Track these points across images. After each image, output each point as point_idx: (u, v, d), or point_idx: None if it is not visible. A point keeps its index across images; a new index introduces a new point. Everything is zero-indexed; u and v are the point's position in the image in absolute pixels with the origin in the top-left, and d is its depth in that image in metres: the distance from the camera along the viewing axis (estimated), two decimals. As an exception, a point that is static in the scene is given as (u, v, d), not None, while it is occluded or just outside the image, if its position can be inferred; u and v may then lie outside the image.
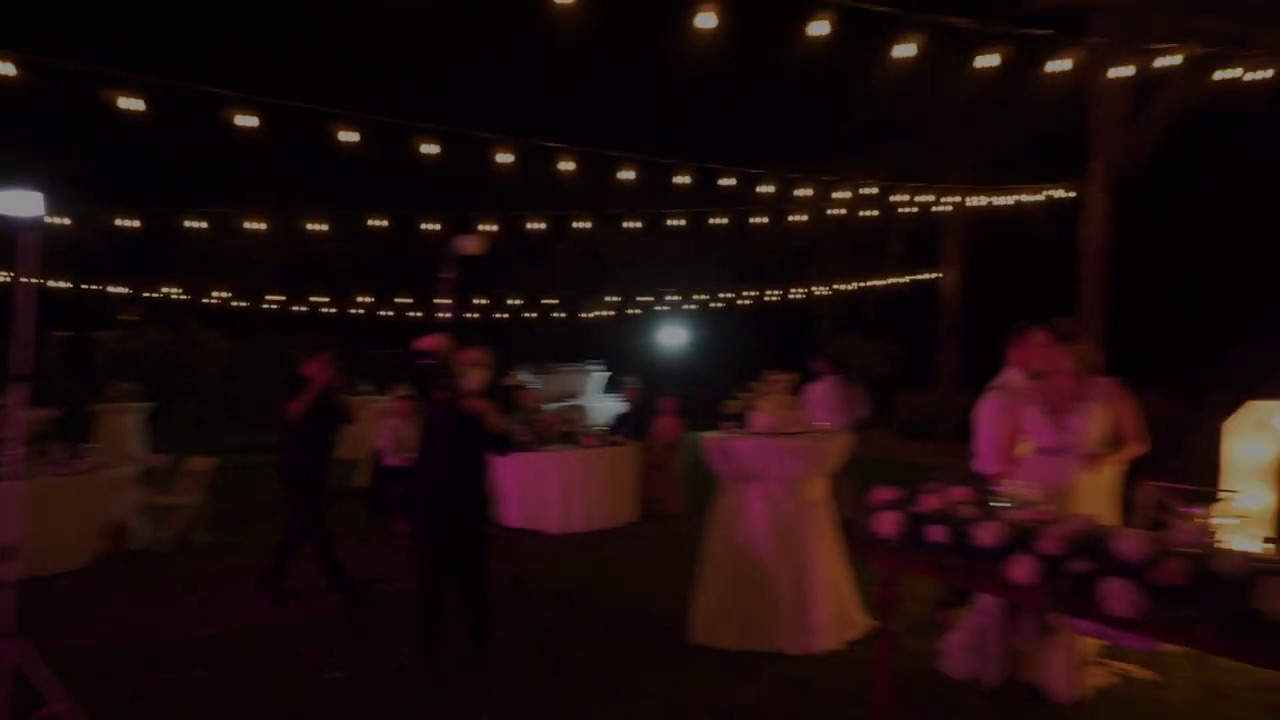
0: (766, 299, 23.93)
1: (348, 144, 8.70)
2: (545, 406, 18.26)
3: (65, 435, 9.25)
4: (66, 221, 12.04)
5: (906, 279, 21.98)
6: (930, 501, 3.47)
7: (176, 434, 15.62)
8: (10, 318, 3.88)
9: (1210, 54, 7.26)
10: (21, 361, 3.87)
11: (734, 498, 5.26)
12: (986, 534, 3.09)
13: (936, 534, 3.31)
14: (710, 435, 5.31)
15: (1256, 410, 4.92)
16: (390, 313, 21.71)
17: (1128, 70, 7.42)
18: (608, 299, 24.41)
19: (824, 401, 8.73)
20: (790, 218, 15.82)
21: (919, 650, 4.86)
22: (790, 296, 23.57)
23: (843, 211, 16.25)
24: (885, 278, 21.97)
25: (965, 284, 19.90)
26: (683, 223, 15.21)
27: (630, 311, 24.62)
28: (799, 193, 13.77)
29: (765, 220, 15.79)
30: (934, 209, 17.69)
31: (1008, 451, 4.37)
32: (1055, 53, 7.48)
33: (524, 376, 18.16)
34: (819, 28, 6.55)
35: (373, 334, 22.69)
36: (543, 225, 15.03)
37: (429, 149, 9.13)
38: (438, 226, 13.83)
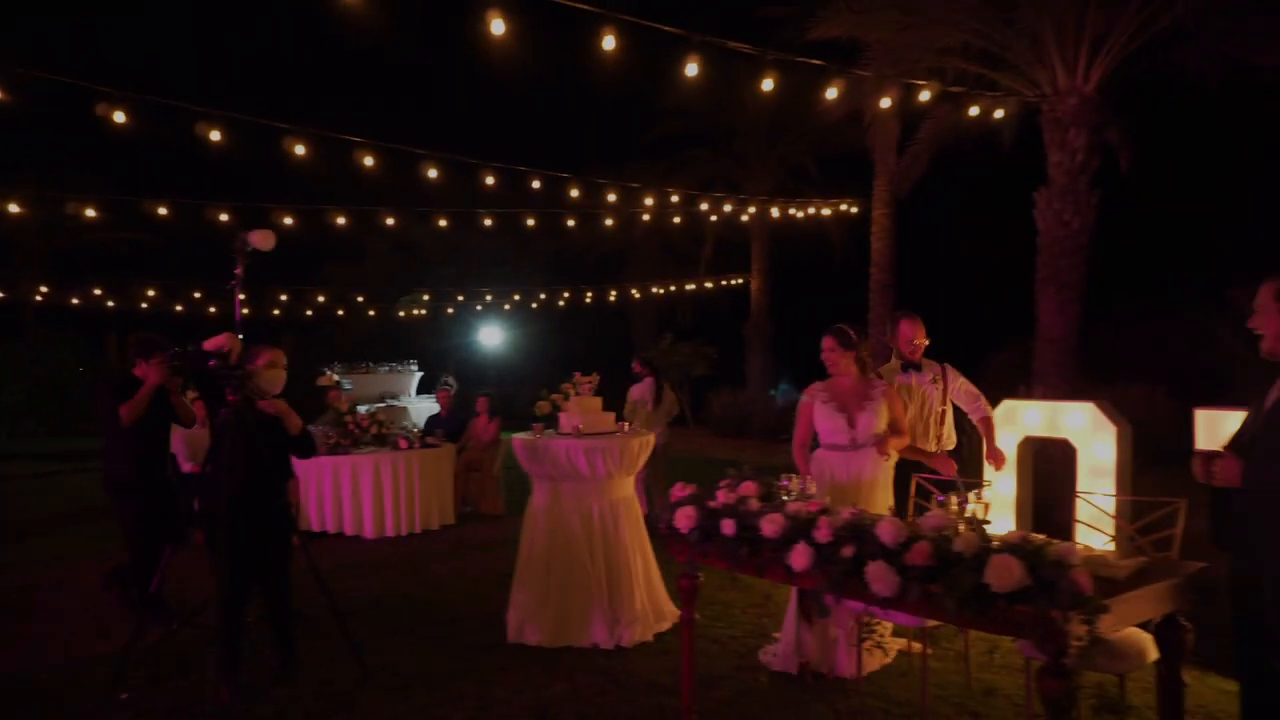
0: (584, 300, 24.25)
1: (119, 125, 8.05)
2: (361, 407, 17.72)
3: None
4: None
5: (717, 283, 23.00)
6: (722, 496, 3.73)
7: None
8: None
9: (959, 91, 8.21)
10: None
11: (544, 497, 5.38)
12: (769, 526, 3.36)
13: (727, 527, 3.56)
14: (519, 436, 5.40)
15: (1007, 408, 5.58)
16: (181, 307, 20.25)
17: (890, 100, 8.24)
18: (424, 298, 23.87)
19: (641, 401, 9.03)
20: (597, 221, 16.16)
21: (725, 638, 5.18)
22: (606, 298, 24.01)
23: (647, 217, 16.76)
24: (697, 282, 22.87)
25: (771, 290, 21.01)
26: (489, 223, 15.17)
27: (447, 310, 24.19)
28: (612, 198, 14.14)
29: (573, 223, 16.02)
30: (740, 217, 18.63)
31: (803, 448, 4.72)
32: (831, 80, 8.17)
33: (337, 376, 17.48)
34: (610, 43, 6.77)
35: (160, 330, 21.04)
36: (343, 221, 14.53)
37: (215, 136, 8.66)
38: (225, 218, 13.06)
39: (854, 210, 16.20)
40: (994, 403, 5.65)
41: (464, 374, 23.56)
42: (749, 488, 3.81)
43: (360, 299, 22.37)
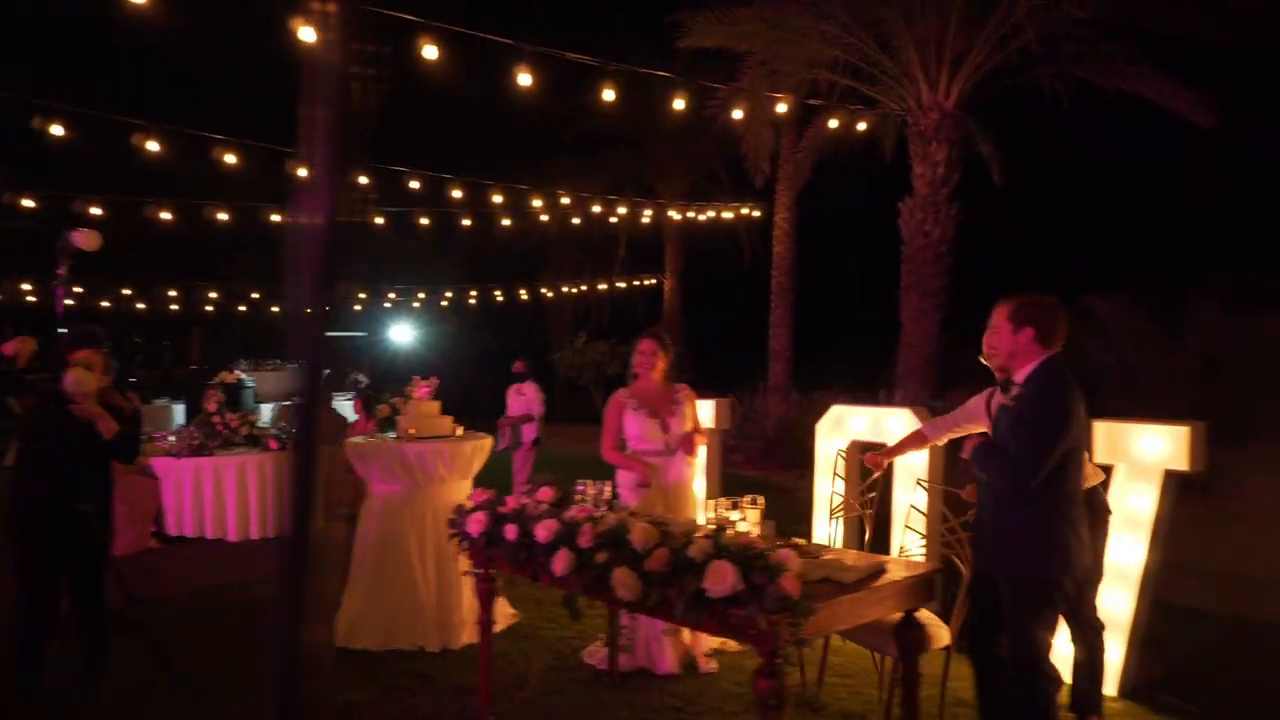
0: (503, 298, 24.13)
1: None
2: (265, 405, 17.30)
3: None
4: None
5: (630, 284, 23.13)
6: (512, 502, 3.78)
7: None
8: None
9: (820, 104, 8.43)
10: None
11: (377, 500, 5.36)
12: (542, 531, 3.42)
13: (509, 532, 3.61)
14: (354, 440, 5.37)
15: (836, 414, 5.75)
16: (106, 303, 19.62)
17: (765, 112, 8.44)
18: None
19: (525, 401, 9.05)
20: (515, 219, 16.13)
21: (554, 639, 5.23)
22: (524, 296, 23.93)
23: (551, 216, 16.77)
24: (611, 282, 22.96)
25: (683, 291, 21.21)
26: (380, 221, 15.01)
27: (354, 307, 23.80)
28: (536, 203, 14.14)
29: (491, 222, 15.95)
30: (652, 219, 18.76)
31: (616, 451, 4.77)
32: (720, 88, 8.32)
33: (241, 374, 17.07)
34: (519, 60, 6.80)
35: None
36: (225, 217, 14.23)
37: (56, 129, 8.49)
38: (99, 212, 12.73)
39: (757, 214, 16.45)
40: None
41: (376, 372, 23.22)
42: (546, 493, 3.87)
43: (255, 295, 21.83)
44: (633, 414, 4.66)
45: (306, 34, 6.04)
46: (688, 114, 9.03)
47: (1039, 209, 18.25)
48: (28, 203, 12.30)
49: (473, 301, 23.90)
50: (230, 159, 10.18)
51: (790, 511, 6.12)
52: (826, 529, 5.61)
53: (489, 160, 18.12)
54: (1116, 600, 4.31)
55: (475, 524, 3.78)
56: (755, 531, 3.45)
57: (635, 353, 4.76)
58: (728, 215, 16.97)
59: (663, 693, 4.40)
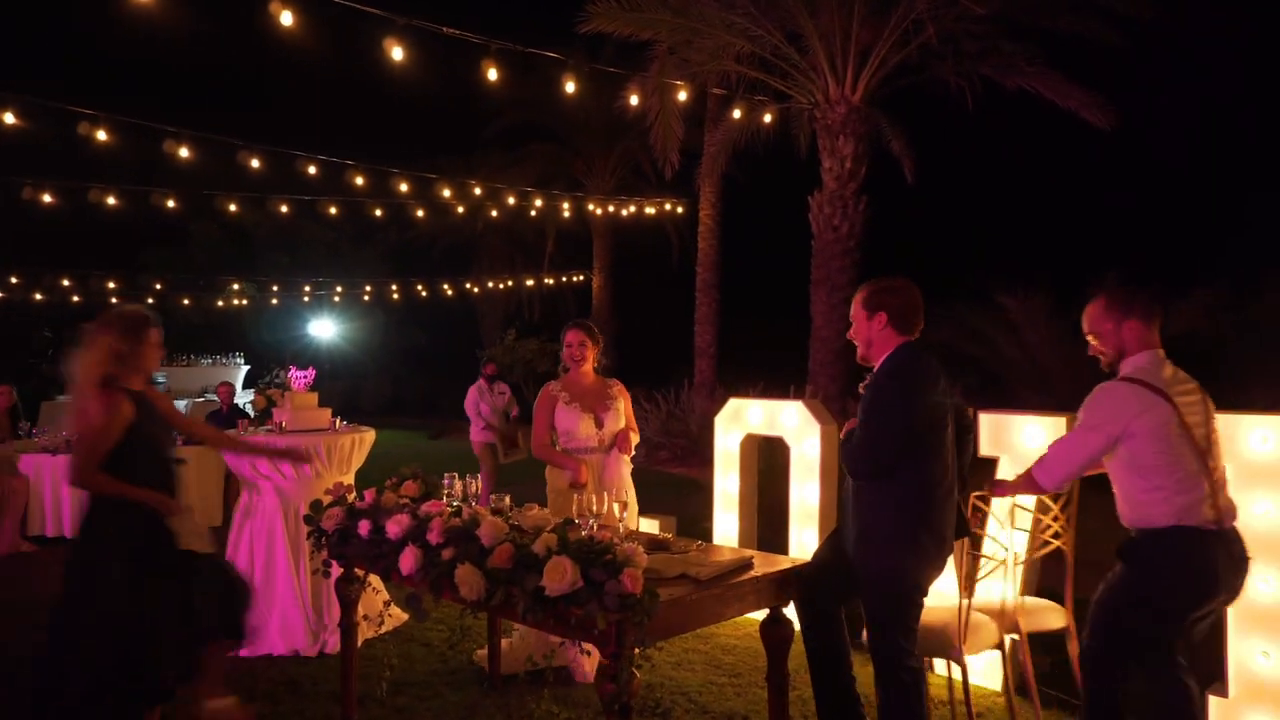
0: (430, 293, 23.67)
1: None
2: (180, 402, 16.63)
3: None
4: None
5: (559, 280, 22.91)
6: (370, 496, 3.58)
7: None
8: None
9: (723, 93, 8.36)
10: None
11: (248, 496, 5.10)
12: (394, 527, 3.23)
13: (362, 528, 3.41)
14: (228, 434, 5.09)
15: (734, 406, 5.67)
16: None
17: (669, 101, 8.35)
18: (243, 285, 22.67)
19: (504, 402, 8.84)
20: (442, 213, 15.79)
21: (439, 641, 5.04)
22: (452, 291, 23.50)
23: (477, 211, 16.49)
24: (539, 278, 22.71)
25: (612, 287, 21.07)
26: (332, 211, 14.56)
27: (271, 301, 23.11)
28: (453, 190, 13.80)
29: (393, 214, 15.59)
30: (579, 214, 18.58)
31: (547, 447, 4.50)
32: (629, 79, 8.19)
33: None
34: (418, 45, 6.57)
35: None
36: (174, 205, 13.63)
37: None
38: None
39: (680, 210, 16.41)
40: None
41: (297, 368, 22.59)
42: (410, 488, 3.68)
43: (158, 287, 21.00)
44: (564, 408, 4.41)
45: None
46: (609, 108, 8.88)
47: (952, 205, 18.63)
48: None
49: (396, 296, 23.38)
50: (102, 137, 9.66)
51: (704, 510, 6.03)
52: (727, 525, 5.55)
53: (414, 152, 17.82)
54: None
55: (330, 520, 3.58)
56: (618, 527, 3.34)
57: (563, 345, 4.52)
58: (651, 211, 16.89)
59: (544, 699, 4.24)
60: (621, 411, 4.48)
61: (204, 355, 20.21)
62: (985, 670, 4.32)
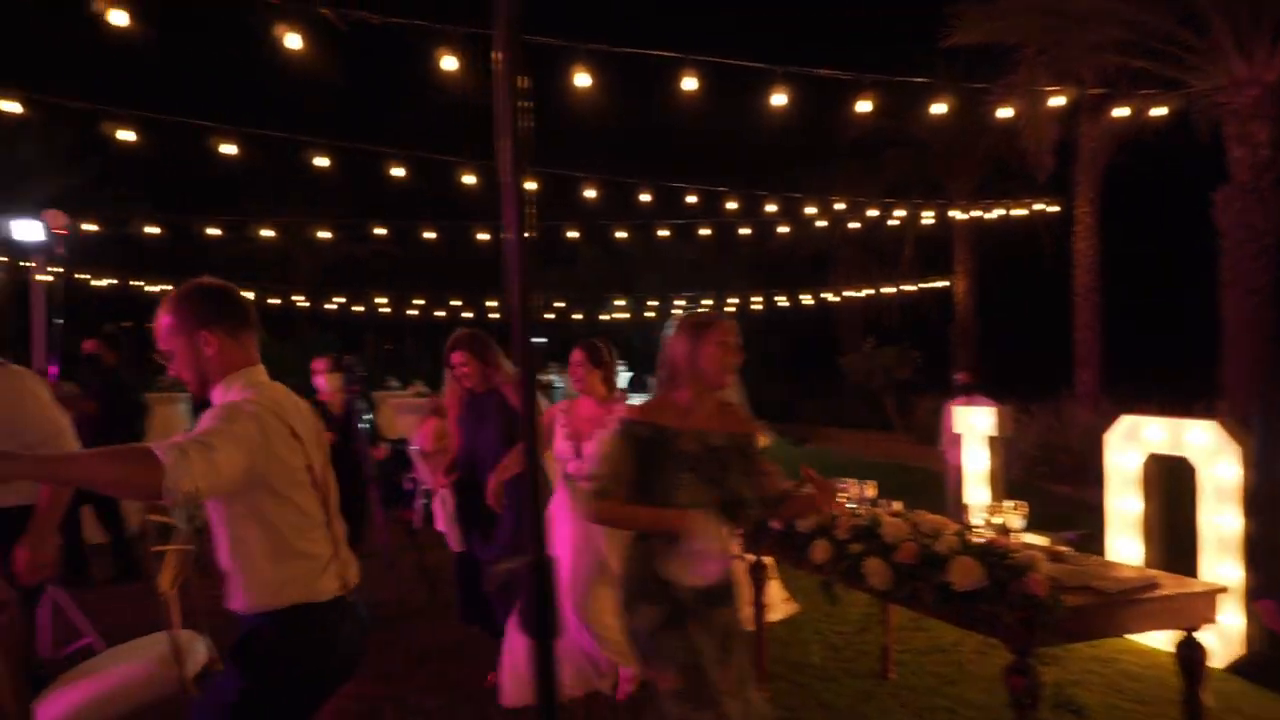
0: (787, 302, 24.48)
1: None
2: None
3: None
4: (96, 227, 13.20)
5: (920, 286, 22.39)
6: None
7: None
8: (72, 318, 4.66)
9: (1102, 92, 7.72)
10: (41, 359, 4.71)
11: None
12: (804, 522, 3.72)
13: (776, 522, 3.94)
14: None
15: (1129, 424, 5.42)
16: (442, 313, 23.03)
17: (1046, 104, 7.94)
18: (624, 302, 25.15)
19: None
20: (798, 225, 16.39)
21: (832, 631, 5.49)
22: (811, 300, 24.07)
23: (832, 221, 16.77)
24: (898, 284, 22.39)
25: (976, 291, 20.17)
26: (701, 232, 15.93)
27: (645, 314, 25.34)
28: (811, 210, 14.39)
29: (754, 230, 16.43)
30: (939, 218, 18.13)
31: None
32: (986, 89, 8.03)
33: (552, 375, 18.89)
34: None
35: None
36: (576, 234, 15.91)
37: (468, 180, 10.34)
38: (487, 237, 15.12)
39: (1055, 209, 15.32)
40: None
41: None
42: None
43: (561, 304, 23.97)
44: (560, 430, 4.22)
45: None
46: (968, 111, 8.76)
47: None
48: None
49: (757, 307, 24.46)
50: (530, 185, 11.60)
51: (1095, 530, 5.85)
52: (1124, 548, 5.32)
53: (767, 169, 18.64)
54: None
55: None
56: (1017, 536, 3.51)
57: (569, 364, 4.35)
58: (1020, 212, 15.98)
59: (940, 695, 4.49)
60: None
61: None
62: None
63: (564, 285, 25.65)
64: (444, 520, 4.71)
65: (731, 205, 12.96)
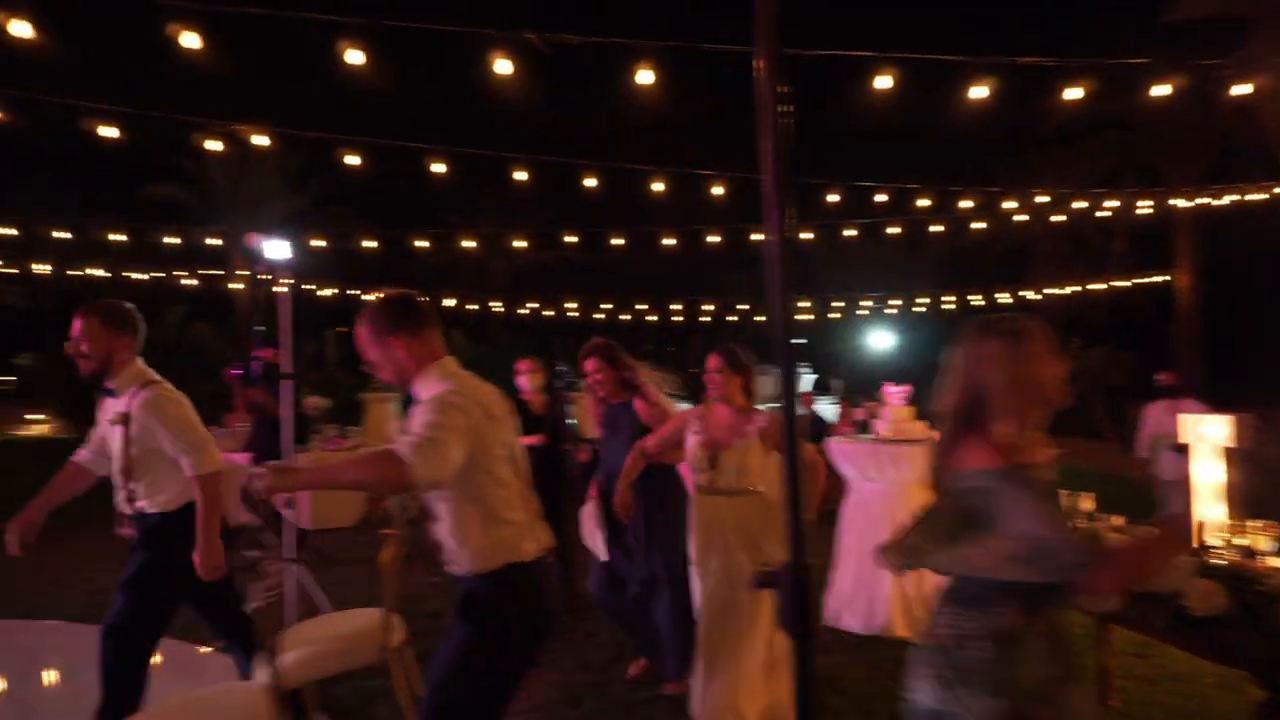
0: (984, 302, 23.28)
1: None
2: (760, 408, 18.99)
3: (337, 419, 11.14)
4: (321, 244, 14.55)
5: (1133, 282, 20.62)
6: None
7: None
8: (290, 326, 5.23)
9: None
10: (288, 364, 5.28)
11: (857, 496, 5.83)
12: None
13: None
14: (834, 440, 5.90)
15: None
16: (628, 316, 23.77)
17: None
18: (806, 301, 24.80)
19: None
20: (994, 219, 15.51)
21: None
22: (1007, 299, 22.76)
23: (1032, 214, 15.71)
24: (1108, 280, 20.72)
25: (1203, 288, 18.36)
26: (851, 233, 15.53)
27: (828, 315, 24.86)
28: (1010, 205, 13.64)
29: (947, 227, 15.69)
30: (1156, 208, 16.62)
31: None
32: (1227, 61, 7.28)
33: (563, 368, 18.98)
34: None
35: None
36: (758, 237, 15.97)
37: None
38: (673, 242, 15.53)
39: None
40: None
41: (853, 377, 24.01)
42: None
43: (742, 307, 23.95)
44: (692, 435, 4.04)
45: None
46: (1193, 91, 7.97)
47: None
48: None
49: (949, 306, 23.39)
50: (717, 190, 11.63)
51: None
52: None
53: (963, 163, 17.81)
54: None
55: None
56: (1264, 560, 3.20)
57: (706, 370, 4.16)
58: (1258, 196, 14.35)
59: None
60: (748, 450, 3.89)
61: (773, 366, 22.67)
62: None
63: (747, 287, 25.63)
64: (588, 529, 4.81)
65: (923, 202, 12.46)
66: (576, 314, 23.53)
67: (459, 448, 2.31)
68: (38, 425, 20.29)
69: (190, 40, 5.90)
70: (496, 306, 23.86)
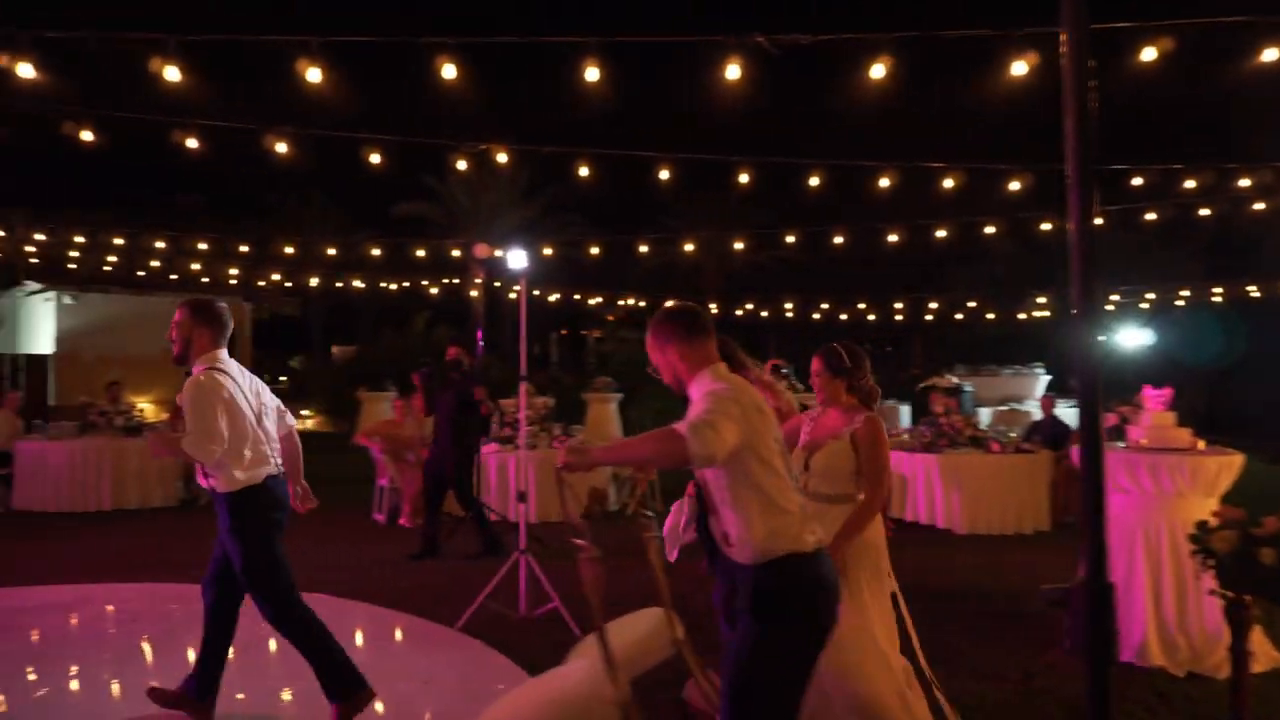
0: (1253, 294, 20.65)
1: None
2: (983, 410, 17.92)
3: (561, 418, 11.73)
4: (548, 252, 15.39)
5: None
6: (1271, 523, 3.53)
7: (640, 418, 18.33)
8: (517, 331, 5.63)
9: None
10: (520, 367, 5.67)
11: (1115, 507, 5.36)
12: None
13: (1266, 556, 3.39)
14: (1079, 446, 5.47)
15: None
16: (846, 316, 23.35)
17: None
18: (1041, 299, 23.05)
19: None
20: (1255, 205, 13.66)
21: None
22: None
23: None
24: None
25: None
26: (1099, 221, 14.14)
27: (1072, 311, 22.98)
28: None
29: (1207, 213, 13.98)
30: None
31: None
32: None
33: (956, 379, 18.03)
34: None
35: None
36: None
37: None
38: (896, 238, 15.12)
39: None
40: None
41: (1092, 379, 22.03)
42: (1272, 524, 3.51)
43: (971, 305, 22.62)
44: (802, 438, 3.89)
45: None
46: None
47: None
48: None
49: (1217, 299, 20.92)
50: (948, 183, 11.09)
51: None
52: None
53: (1237, 136, 15.83)
54: None
55: (1223, 542, 3.63)
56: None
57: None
58: None
59: None
60: (837, 451, 3.73)
61: (1006, 366, 21.24)
62: None
63: (976, 283, 24.26)
64: (669, 526, 4.53)
65: (1189, 184, 11.21)
66: (792, 314, 23.36)
67: (732, 431, 2.47)
68: (307, 420, 22.97)
69: (449, 71, 6.48)
70: (712, 307, 24.21)
